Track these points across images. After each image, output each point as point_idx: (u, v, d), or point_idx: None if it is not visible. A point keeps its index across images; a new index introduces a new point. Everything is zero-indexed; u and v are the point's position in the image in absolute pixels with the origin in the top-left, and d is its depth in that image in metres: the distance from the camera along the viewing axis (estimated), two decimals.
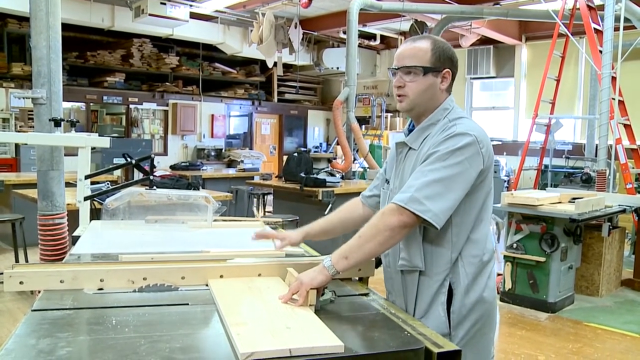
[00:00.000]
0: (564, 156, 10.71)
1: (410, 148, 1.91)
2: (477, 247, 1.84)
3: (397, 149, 1.99)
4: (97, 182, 3.59)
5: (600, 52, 6.97)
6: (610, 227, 5.70)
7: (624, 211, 5.83)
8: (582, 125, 11.29)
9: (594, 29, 7.28)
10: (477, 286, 1.84)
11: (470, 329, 1.83)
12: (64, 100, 3.04)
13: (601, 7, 7.23)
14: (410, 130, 1.96)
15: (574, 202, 5.23)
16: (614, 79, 6.94)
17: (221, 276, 1.87)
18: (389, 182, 2.02)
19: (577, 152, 10.71)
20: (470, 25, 11.02)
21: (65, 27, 3.19)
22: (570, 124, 11.48)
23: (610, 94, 6.80)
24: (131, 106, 12.22)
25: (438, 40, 1.90)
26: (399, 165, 1.96)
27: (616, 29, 6.90)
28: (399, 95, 1.90)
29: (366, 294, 1.85)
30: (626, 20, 7.64)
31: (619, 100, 7.21)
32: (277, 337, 1.34)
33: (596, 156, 7.16)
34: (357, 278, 2.02)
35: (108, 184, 3.29)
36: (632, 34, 8.27)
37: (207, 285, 1.82)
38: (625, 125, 7.41)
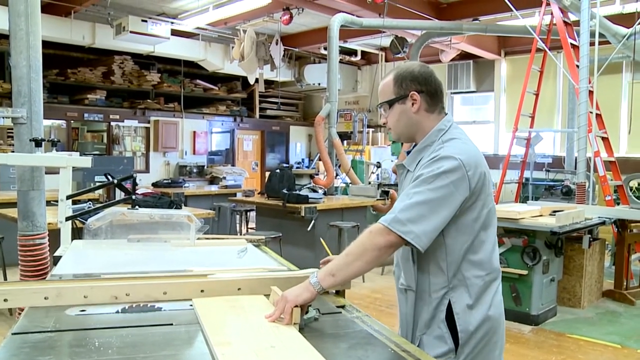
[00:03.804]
0: (544, 169, 10.84)
1: (408, 170, 1.97)
2: (480, 267, 1.86)
3: (398, 171, 2.06)
4: (79, 202, 3.56)
5: (577, 66, 7.09)
6: (591, 239, 5.77)
7: (603, 223, 5.91)
8: (562, 138, 11.45)
9: (571, 44, 7.41)
10: (482, 305, 1.85)
11: (476, 345, 1.84)
12: (44, 118, 3.02)
13: (577, 23, 7.36)
14: (408, 152, 2.02)
15: (554, 215, 5.29)
16: (591, 92, 7.06)
17: (202, 291, 1.89)
18: None
19: (557, 165, 10.84)
20: (450, 40, 11.16)
21: (46, 44, 3.17)
22: (549, 138, 11.62)
23: (588, 107, 6.91)
24: (112, 123, 12.14)
25: (402, 68, 1.96)
26: (400, 187, 2.04)
27: (592, 44, 7.02)
28: (387, 129, 2.03)
29: (343, 306, 1.88)
30: (601, 35, 7.79)
31: (597, 114, 7.32)
32: (261, 356, 1.34)
33: (576, 169, 7.25)
34: (334, 291, 2.04)
35: (90, 203, 3.26)
36: (607, 49, 8.44)
37: (191, 305, 1.81)
38: (603, 138, 7.52)
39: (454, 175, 1.76)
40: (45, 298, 1.76)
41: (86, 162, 2.72)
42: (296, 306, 1.63)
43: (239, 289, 1.93)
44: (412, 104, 1.92)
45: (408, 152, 2.02)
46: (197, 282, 1.91)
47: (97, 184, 6.17)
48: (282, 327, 1.57)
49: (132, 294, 1.83)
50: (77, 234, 3.06)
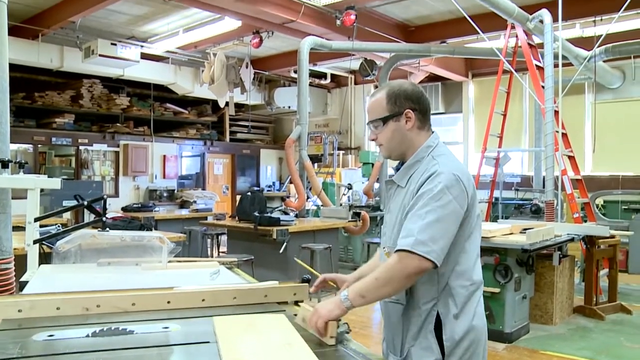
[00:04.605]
0: (513, 188, 11.02)
1: (398, 185, 2.00)
2: (463, 277, 1.91)
3: (386, 187, 2.09)
4: (46, 226, 3.47)
5: (543, 87, 7.26)
6: (561, 256, 5.85)
7: (572, 240, 6.01)
8: (529, 158, 11.66)
9: (536, 65, 7.59)
10: (467, 315, 1.90)
11: (463, 355, 1.88)
12: (10, 142, 2.96)
13: (541, 46, 7.56)
14: (397, 168, 2.06)
15: (525, 232, 5.35)
16: (556, 112, 7.22)
17: (168, 302, 1.97)
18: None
19: (525, 184, 11.03)
20: (419, 63, 11.33)
21: (12, 67, 3.12)
22: (518, 157, 11.83)
23: (554, 126, 7.07)
24: (81, 147, 11.96)
25: (394, 85, 2.00)
26: (388, 202, 2.07)
27: (556, 65, 7.21)
28: (378, 146, 2.05)
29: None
30: (564, 57, 8.01)
31: (563, 133, 7.48)
32: None
33: (544, 187, 7.38)
34: (293, 301, 2.10)
35: (59, 226, 3.19)
36: (570, 70, 8.67)
37: (164, 327, 1.77)
38: (570, 157, 7.68)
39: (455, 190, 1.83)
40: (19, 310, 1.80)
41: (55, 183, 2.66)
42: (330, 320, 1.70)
43: (203, 299, 2.00)
44: (406, 122, 1.97)
45: (397, 169, 2.05)
46: (164, 294, 1.99)
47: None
48: (296, 347, 1.56)
49: (102, 305, 1.89)
50: (44, 259, 2.98)
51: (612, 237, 6.48)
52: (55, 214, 2.90)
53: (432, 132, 2.03)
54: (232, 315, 1.89)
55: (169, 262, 2.72)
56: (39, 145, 11.58)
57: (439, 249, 1.78)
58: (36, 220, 2.51)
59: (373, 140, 2.05)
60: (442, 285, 1.88)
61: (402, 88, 1.98)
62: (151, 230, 5.28)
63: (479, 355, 1.93)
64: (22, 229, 2.71)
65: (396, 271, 1.79)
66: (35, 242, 2.53)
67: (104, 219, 2.44)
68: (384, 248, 2.02)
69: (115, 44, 9.68)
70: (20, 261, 2.81)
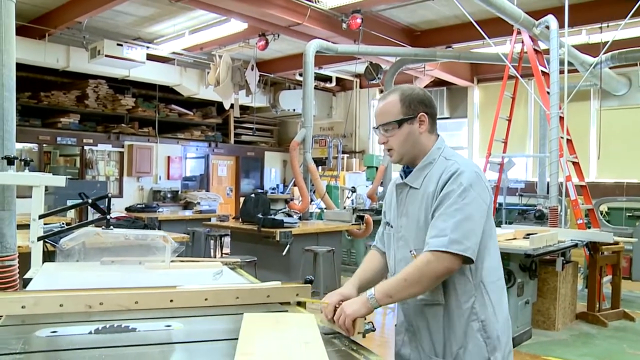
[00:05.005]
0: (517, 194, 11.00)
1: (411, 187, 2.00)
2: (493, 273, 1.94)
3: (397, 190, 2.08)
4: (50, 224, 3.49)
5: (548, 93, 7.25)
6: (564, 262, 5.84)
7: (575, 245, 5.99)
8: (534, 163, 11.63)
9: (541, 71, 7.59)
10: (502, 309, 1.93)
11: (504, 349, 1.91)
12: (15, 141, 2.97)
13: (547, 51, 7.55)
14: (405, 172, 2.05)
15: (528, 237, 5.34)
16: (561, 118, 7.21)
17: (171, 300, 1.97)
18: (390, 224, 2.11)
19: (529, 190, 11.01)
20: (424, 67, 11.33)
21: (19, 67, 3.14)
22: (522, 163, 11.81)
23: (559, 133, 7.06)
24: (86, 147, 11.99)
25: (405, 89, 2.01)
26: (400, 206, 2.04)
27: (561, 71, 7.20)
28: (387, 150, 2.02)
29: None
30: (570, 64, 8.00)
31: (567, 139, 7.47)
32: None
33: (548, 193, 7.36)
34: (296, 302, 2.10)
35: (63, 224, 3.20)
36: (576, 77, 8.66)
37: (166, 325, 1.78)
38: (574, 163, 7.67)
39: (478, 186, 1.86)
40: (22, 307, 1.81)
41: (60, 180, 2.67)
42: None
43: (205, 299, 2.00)
44: (420, 125, 1.98)
45: (405, 172, 2.06)
46: (167, 292, 1.99)
47: None
48: (313, 345, 1.57)
49: (105, 302, 1.90)
50: (48, 257, 2.99)
51: (616, 243, 6.46)
52: (60, 211, 2.91)
53: (438, 136, 2.05)
54: (264, 312, 1.91)
55: (172, 261, 2.73)
56: (44, 145, 11.62)
57: (474, 245, 1.81)
58: (40, 217, 2.52)
59: (383, 144, 2.03)
60: (477, 282, 1.90)
61: (415, 92, 1.99)
62: (154, 230, 5.29)
63: (512, 347, 1.98)
64: (26, 227, 2.71)
65: (427, 271, 1.80)
66: (39, 239, 2.54)
67: (108, 217, 2.45)
68: (411, 251, 1.97)
69: (121, 45, 9.72)
70: (24, 259, 2.82)
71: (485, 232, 1.89)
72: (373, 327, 1.84)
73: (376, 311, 1.88)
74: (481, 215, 1.85)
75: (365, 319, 1.81)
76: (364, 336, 1.79)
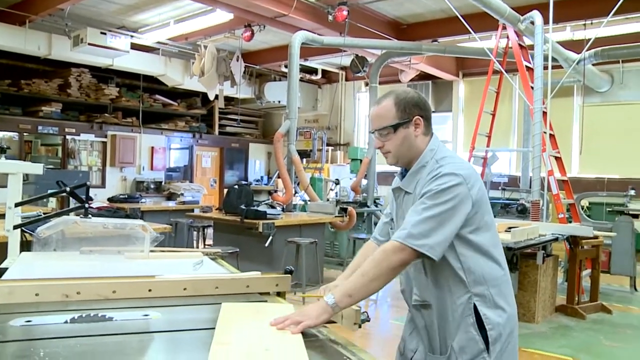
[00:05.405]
0: (500, 188, 11.08)
1: (406, 192, 2.02)
2: (496, 268, 1.95)
3: (394, 194, 2.11)
4: (28, 213, 3.44)
5: (532, 88, 7.29)
6: (545, 255, 5.88)
7: (556, 239, 6.05)
8: (517, 158, 11.72)
9: (526, 66, 7.63)
10: (504, 302, 1.94)
11: (505, 341, 1.92)
12: None
13: (532, 47, 7.59)
14: (402, 174, 2.08)
15: (510, 231, 5.38)
16: (545, 113, 7.26)
17: (150, 290, 1.95)
18: (393, 220, 2.16)
19: (512, 185, 11.10)
20: (410, 61, 11.34)
21: None
22: (506, 157, 11.89)
23: (542, 127, 7.10)
24: (68, 137, 11.85)
25: (400, 92, 2.02)
26: (398, 210, 2.08)
27: (545, 67, 7.24)
28: (384, 153, 2.05)
29: None
30: (554, 59, 8.05)
31: (550, 134, 7.52)
32: (251, 357, 1.38)
33: (530, 188, 7.42)
34: (275, 292, 2.11)
35: (40, 212, 3.15)
36: (559, 72, 8.71)
37: (144, 315, 1.76)
38: (557, 158, 7.73)
39: (457, 189, 1.86)
40: None
41: (37, 169, 2.63)
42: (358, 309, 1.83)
43: (184, 288, 1.99)
44: (415, 128, 1.99)
45: (402, 175, 2.08)
46: (146, 282, 1.98)
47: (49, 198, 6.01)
48: (289, 333, 1.58)
49: (82, 292, 1.87)
50: (25, 247, 2.94)
51: (596, 237, 6.54)
52: (37, 199, 2.87)
53: (432, 135, 2.05)
54: (242, 302, 1.90)
55: (153, 252, 2.70)
56: (25, 134, 11.45)
57: (433, 243, 1.81)
58: (17, 205, 2.48)
59: (379, 148, 2.05)
60: (473, 278, 1.91)
61: (409, 95, 2.01)
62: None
63: (517, 340, 2.00)
64: (2, 216, 2.67)
65: (383, 265, 1.81)
66: (15, 227, 2.50)
67: (86, 205, 2.42)
68: None
69: (105, 33, 9.59)
70: (2, 249, 2.78)
71: (481, 230, 1.92)
72: (368, 317, 1.86)
73: (361, 304, 1.87)
74: (454, 216, 1.85)
75: (360, 308, 1.83)
76: (359, 326, 1.81)
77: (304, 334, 1.61)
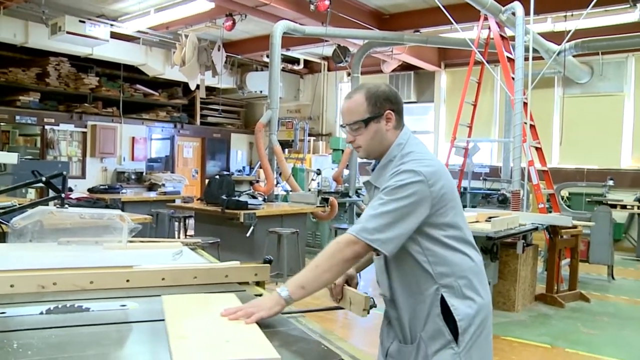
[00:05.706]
0: (481, 178, 11.16)
1: (375, 186, 2.00)
2: (466, 260, 1.94)
3: (366, 187, 2.11)
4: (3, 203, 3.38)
5: (513, 78, 7.33)
6: (525, 245, 5.95)
7: (536, 229, 6.11)
8: (499, 149, 11.79)
9: (507, 57, 7.66)
10: (474, 293, 1.93)
11: (475, 331, 1.91)
12: None
13: (513, 38, 7.63)
14: (373, 168, 2.07)
15: (490, 220, 5.41)
16: (525, 104, 7.30)
17: (127, 280, 1.94)
18: None
19: (494, 175, 11.18)
20: (392, 51, 11.34)
21: None
22: (487, 148, 11.96)
23: (523, 118, 7.15)
24: (47, 127, 11.69)
25: (371, 87, 2.01)
26: (370, 202, 2.06)
27: (526, 58, 7.28)
28: (355, 148, 2.04)
29: (261, 295, 1.95)
30: (535, 51, 8.10)
31: (531, 125, 7.58)
32: (214, 349, 1.35)
33: (511, 178, 7.48)
34: (254, 282, 2.11)
35: (15, 203, 3.11)
36: (540, 64, 8.77)
37: (121, 305, 1.74)
38: (537, 149, 7.79)
39: (415, 186, 1.84)
40: None
41: (12, 158, 2.59)
42: (366, 295, 1.87)
43: (162, 278, 1.98)
44: (387, 122, 1.98)
45: (373, 169, 2.07)
46: (123, 272, 1.97)
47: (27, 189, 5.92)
48: (244, 324, 1.56)
49: (59, 282, 1.84)
50: (2, 238, 2.90)
51: (575, 227, 6.62)
52: (12, 189, 2.82)
53: (403, 127, 2.04)
54: (182, 294, 1.86)
55: (132, 242, 2.68)
56: (2, 124, 11.30)
57: (386, 238, 1.80)
58: None
59: (350, 142, 2.03)
60: (441, 271, 1.89)
61: (380, 89, 1.99)
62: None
63: (489, 330, 2.00)
64: None
65: (335, 256, 1.81)
66: None
67: (62, 195, 2.39)
68: None
69: (84, 22, 9.45)
70: None
71: (447, 225, 1.90)
72: (374, 303, 1.88)
73: (368, 290, 1.89)
74: (411, 212, 1.83)
75: (368, 295, 1.86)
76: (368, 312, 1.85)
77: (260, 324, 1.60)
